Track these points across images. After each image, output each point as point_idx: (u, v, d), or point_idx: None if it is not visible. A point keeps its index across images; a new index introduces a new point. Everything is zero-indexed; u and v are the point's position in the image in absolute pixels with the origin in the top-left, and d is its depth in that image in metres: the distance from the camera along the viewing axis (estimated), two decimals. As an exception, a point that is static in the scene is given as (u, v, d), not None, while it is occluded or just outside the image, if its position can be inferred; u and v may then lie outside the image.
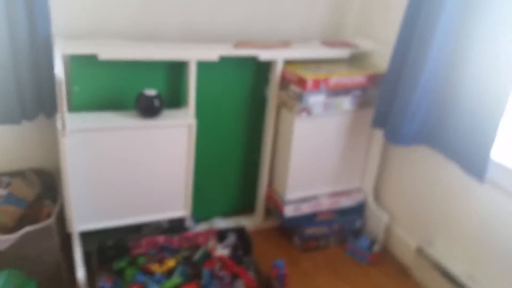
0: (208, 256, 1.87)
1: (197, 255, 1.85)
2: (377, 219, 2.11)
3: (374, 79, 1.88)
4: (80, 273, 1.60)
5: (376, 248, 2.03)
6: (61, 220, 1.69)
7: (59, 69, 1.37)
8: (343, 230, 2.14)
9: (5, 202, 1.66)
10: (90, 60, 1.62)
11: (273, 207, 2.13)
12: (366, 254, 2.02)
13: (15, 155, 1.87)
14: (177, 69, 1.78)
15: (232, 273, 1.79)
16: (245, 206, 2.24)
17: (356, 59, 2.06)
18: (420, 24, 1.55)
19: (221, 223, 2.14)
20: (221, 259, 1.85)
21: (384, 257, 2.08)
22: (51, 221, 1.62)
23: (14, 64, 1.56)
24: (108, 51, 1.57)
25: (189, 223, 1.99)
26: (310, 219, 2.08)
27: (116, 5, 1.78)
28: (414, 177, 1.94)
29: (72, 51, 1.54)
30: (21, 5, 1.50)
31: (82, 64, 1.64)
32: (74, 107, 1.71)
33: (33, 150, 1.89)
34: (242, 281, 1.76)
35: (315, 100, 1.80)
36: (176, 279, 1.72)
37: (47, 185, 1.85)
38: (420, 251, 1.86)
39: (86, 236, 1.81)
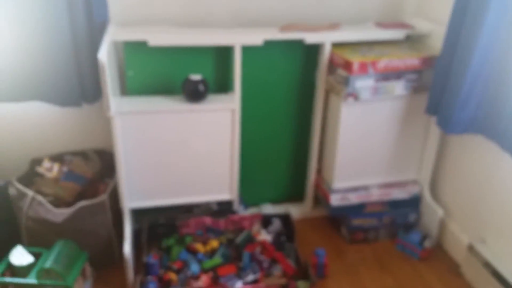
0: (251, 239, 1.89)
1: (240, 238, 1.88)
2: (431, 213, 1.98)
3: (430, 62, 1.76)
4: (127, 247, 1.70)
5: (428, 243, 1.92)
6: (115, 197, 1.80)
7: (103, 54, 1.46)
8: (395, 223, 2.04)
9: (66, 179, 1.80)
10: (141, 46, 1.69)
11: (321, 196, 2.09)
12: (417, 249, 1.91)
13: (78, 136, 2.02)
14: (223, 54, 1.81)
15: (272, 258, 1.80)
16: (295, 194, 2.23)
17: (415, 42, 1.94)
18: (472, 3, 1.42)
19: (269, 209, 2.15)
20: (262, 243, 1.86)
21: (436, 254, 1.95)
22: (104, 197, 1.74)
23: (74, 49, 1.68)
24: (157, 38, 1.63)
25: (237, 207, 2.02)
26: (358, 209, 2.01)
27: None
28: (471, 169, 1.80)
29: (122, 37, 1.63)
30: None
31: (134, 50, 1.72)
32: (129, 91, 1.80)
33: (94, 131, 2.03)
34: (280, 266, 1.76)
35: (363, 84, 1.73)
36: (216, 259, 1.77)
37: (107, 164, 1.97)
38: (471, 248, 1.73)
39: (139, 214, 1.92)
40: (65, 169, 1.83)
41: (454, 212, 1.93)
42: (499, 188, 1.64)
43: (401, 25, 1.91)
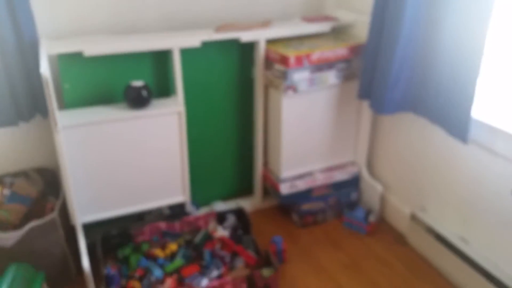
0: (209, 237, 1.93)
1: (198, 237, 1.91)
2: (372, 190, 2.15)
3: (357, 51, 1.91)
4: (85, 262, 1.67)
5: (372, 218, 2.08)
6: (65, 213, 1.75)
7: (44, 69, 1.42)
8: (339, 203, 2.18)
9: (10, 201, 1.73)
10: (76, 58, 1.66)
11: (270, 187, 2.18)
12: (363, 225, 2.06)
13: (16, 156, 1.94)
14: (162, 58, 1.82)
15: (232, 252, 1.86)
16: (244, 188, 2.29)
17: (340, 32, 2.09)
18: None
19: (221, 206, 2.19)
20: (221, 239, 1.91)
21: (380, 227, 2.13)
22: (54, 215, 1.69)
23: (4, 68, 1.62)
24: (93, 47, 1.61)
25: (189, 208, 2.05)
26: (306, 195, 2.13)
27: (96, 2, 1.82)
28: (404, 145, 1.98)
29: (58, 50, 1.59)
30: (4, 11, 1.55)
31: (69, 62, 1.69)
32: (67, 104, 1.76)
33: (34, 149, 1.95)
34: (242, 259, 1.82)
35: (300, 76, 1.83)
36: (178, 261, 1.79)
37: (49, 182, 1.92)
38: (413, 217, 1.90)
39: (91, 228, 1.88)
40: (7, 191, 1.75)
41: (393, 186, 2.11)
42: (433, 158, 1.82)
43: (326, 18, 2.04)
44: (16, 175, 1.90)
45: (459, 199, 1.73)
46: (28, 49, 1.65)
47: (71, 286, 1.76)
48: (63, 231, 1.73)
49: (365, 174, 2.19)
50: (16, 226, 1.68)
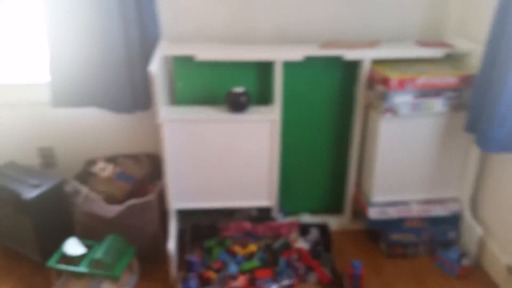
0: (287, 246, 1.96)
1: (277, 244, 1.95)
2: (471, 232, 1.96)
3: (469, 81, 1.76)
4: (172, 245, 1.83)
5: (466, 261, 1.89)
6: (162, 198, 1.94)
7: (154, 67, 1.61)
8: (434, 240, 2.03)
9: (118, 178, 1.98)
10: (190, 61, 1.84)
11: (360, 209, 2.12)
12: (455, 267, 1.89)
13: (130, 140, 2.21)
14: (265, 68, 1.91)
15: (308, 266, 1.86)
16: (333, 205, 2.27)
17: (455, 60, 1.95)
18: (509, 23, 1.43)
19: (307, 219, 2.20)
20: (299, 250, 1.93)
21: (474, 273, 1.92)
22: (152, 197, 1.89)
23: (127, 62, 1.85)
24: (204, 53, 1.77)
25: (276, 214, 2.10)
26: (397, 224, 2.03)
27: (214, 11, 1.99)
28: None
29: (173, 52, 1.78)
30: (133, 12, 1.79)
31: (183, 64, 1.87)
32: (178, 101, 1.95)
33: (146, 136, 2.20)
34: (315, 274, 1.81)
35: (401, 100, 1.76)
36: (254, 262, 1.85)
37: (156, 167, 2.13)
38: (511, 270, 1.69)
39: (184, 215, 2.05)
40: (118, 169, 2.01)
41: (494, 232, 1.90)
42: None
43: (442, 44, 1.93)
44: (128, 157, 2.15)
45: None
46: (150, 48, 1.87)
47: (156, 265, 1.94)
48: (158, 213, 1.92)
49: (466, 213, 2.00)
50: (119, 201, 1.91)
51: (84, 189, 1.87)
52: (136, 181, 2.01)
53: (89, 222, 1.86)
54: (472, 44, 1.89)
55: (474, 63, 1.84)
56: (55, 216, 1.93)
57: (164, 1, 1.92)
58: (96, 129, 2.17)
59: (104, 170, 1.97)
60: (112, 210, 1.84)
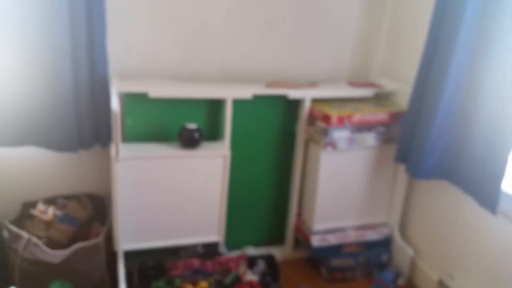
0: (238, 280, 1.99)
1: (228, 279, 1.97)
2: (402, 253, 2.17)
3: (397, 117, 2.01)
4: None
5: (401, 281, 2.08)
6: (108, 240, 1.88)
7: (115, 104, 1.61)
8: (369, 263, 2.20)
9: (61, 221, 1.87)
10: (141, 97, 1.85)
11: (302, 238, 2.24)
12: (391, 287, 2.07)
13: (72, 180, 2.10)
14: (215, 105, 1.99)
15: (260, 297, 1.91)
16: (276, 236, 2.36)
17: (382, 99, 2.21)
18: (435, 65, 1.70)
19: (252, 251, 2.26)
20: (250, 283, 1.96)
21: (409, 290, 2.13)
22: (100, 239, 1.81)
23: (75, 100, 1.80)
24: (157, 90, 1.79)
25: (222, 249, 2.13)
26: (337, 250, 2.17)
27: (163, 50, 2.04)
28: (437, 211, 2.02)
29: (127, 89, 1.79)
30: (84, 50, 1.76)
31: (134, 100, 1.88)
32: (126, 138, 1.93)
33: (88, 176, 2.12)
34: (269, 304, 1.86)
35: (340, 135, 1.95)
36: (208, 298, 1.85)
37: (97, 208, 2.05)
38: (441, 284, 1.91)
39: (129, 256, 1.98)
40: (59, 212, 1.90)
41: (424, 252, 2.13)
42: (464, 229, 1.86)
43: (370, 84, 2.18)
44: (68, 198, 2.05)
45: (486, 269, 1.74)
46: (99, 85, 1.84)
47: (104, 310, 1.84)
48: (105, 256, 1.84)
49: (396, 236, 2.22)
50: (63, 246, 1.80)
51: (24, 234, 1.74)
52: (80, 223, 1.91)
53: (32, 269, 1.73)
54: (396, 83, 2.17)
55: (400, 101, 2.11)
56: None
57: (113, 38, 1.93)
58: (33, 169, 2.04)
59: (45, 213, 1.85)
60: (58, 255, 1.73)
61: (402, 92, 2.10)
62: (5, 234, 1.77)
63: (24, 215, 1.91)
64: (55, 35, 1.70)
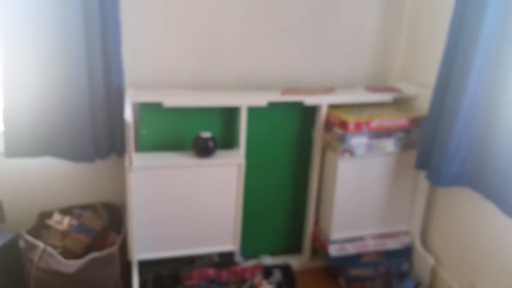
0: (254, 290, 1.96)
1: (244, 289, 1.94)
2: (423, 262, 2.10)
3: (417, 122, 1.95)
4: (137, 298, 1.75)
5: (423, 291, 2.02)
6: (123, 249, 1.86)
7: (128, 115, 1.59)
8: (389, 273, 2.14)
9: (76, 231, 1.87)
10: (156, 107, 1.84)
11: (319, 247, 2.19)
12: (413, 297, 2.01)
13: (88, 190, 2.10)
14: (230, 113, 1.97)
15: (277, 308, 1.87)
16: (293, 245, 2.32)
17: (402, 103, 2.15)
18: (456, 68, 1.64)
19: (268, 261, 2.22)
20: (266, 293, 1.93)
21: (430, 301, 2.06)
22: (114, 249, 1.80)
23: (91, 110, 1.81)
24: (172, 100, 1.78)
25: (238, 258, 2.10)
26: (355, 260, 2.12)
27: (178, 59, 2.02)
28: (459, 219, 1.95)
29: (141, 99, 1.78)
30: (99, 61, 1.76)
31: (149, 110, 1.86)
32: (141, 148, 1.92)
33: (103, 185, 2.12)
34: (286, 316, 1.82)
35: (358, 141, 1.90)
36: (223, 309, 1.82)
37: (113, 217, 2.05)
38: (465, 295, 1.84)
39: (143, 265, 1.97)
40: (75, 222, 1.90)
41: (445, 260, 2.06)
42: (486, 237, 1.79)
43: (389, 89, 2.12)
44: (84, 207, 2.05)
45: (509, 278, 1.66)
46: (114, 95, 1.85)
47: (119, 320, 1.83)
48: (120, 266, 1.83)
49: (417, 245, 2.15)
50: (78, 255, 1.80)
51: (40, 244, 1.74)
52: (96, 233, 1.91)
53: (47, 279, 1.73)
54: (416, 88, 2.10)
55: (419, 105, 2.05)
56: (7, 274, 1.77)
57: (128, 48, 1.92)
58: (48, 180, 2.05)
59: (61, 222, 1.86)
60: (72, 265, 1.72)
61: (422, 96, 2.04)
62: (22, 244, 1.78)
63: (41, 225, 1.92)
64: (70, 46, 1.70)
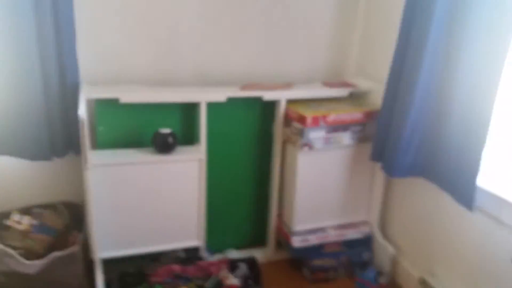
0: (219, 285, 1.97)
1: (209, 283, 1.96)
2: (384, 251, 2.17)
3: (372, 116, 2.02)
4: (100, 296, 1.75)
5: (383, 279, 2.09)
6: (85, 248, 1.86)
7: (82, 111, 1.59)
8: (351, 262, 2.20)
9: (37, 231, 1.85)
10: (112, 103, 1.84)
11: (283, 239, 2.23)
12: (373, 286, 2.07)
13: (47, 189, 2.08)
14: (190, 109, 1.98)
15: (241, 300, 1.90)
16: (258, 239, 2.35)
17: (357, 98, 2.22)
18: (407, 63, 1.71)
19: (234, 255, 2.25)
20: (231, 287, 1.96)
21: (391, 288, 2.13)
22: (76, 248, 1.79)
23: (46, 108, 1.79)
24: (128, 96, 1.79)
25: (203, 253, 2.12)
26: (318, 250, 2.17)
27: (135, 55, 2.03)
28: (416, 209, 2.02)
29: (96, 95, 1.77)
30: (53, 57, 1.75)
31: (105, 107, 1.86)
32: (99, 145, 1.92)
33: (63, 184, 2.10)
34: (251, 308, 1.85)
35: (316, 135, 1.95)
36: (188, 304, 1.84)
37: (74, 216, 2.03)
38: (423, 282, 1.91)
39: (108, 264, 1.97)
40: (35, 221, 1.88)
41: (405, 249, 2.13)
42: (443, 225, 1.86)
43: (345, 84, 2.18)
44: (45, 207, 2.02)
45: (466, 265, 1.74)
46: (69, 92, 1.83)
47: (83, 320, 1.82)
48: (83, 265, 1.82)
49: (377, 234, 2.23)
50: (39, 256, 1.77)
51: (-2, 246, 1.72)
52: (57, 232, 1.89)
53: (8, 281, 1.70)
54: (370, 82, 2.17)
55: (374, 100, 2.12)
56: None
57: (83, 44, 1.91)
58: (5, 180, 2.02)
59: (20, 222, 1.83)
60: (34, 266, 1.71)
61: (377, 91, 2.11)
62: (-21, 246, 1.75)
63: (-1, 226, 1.89)
64: (22, 44, 1.68)
